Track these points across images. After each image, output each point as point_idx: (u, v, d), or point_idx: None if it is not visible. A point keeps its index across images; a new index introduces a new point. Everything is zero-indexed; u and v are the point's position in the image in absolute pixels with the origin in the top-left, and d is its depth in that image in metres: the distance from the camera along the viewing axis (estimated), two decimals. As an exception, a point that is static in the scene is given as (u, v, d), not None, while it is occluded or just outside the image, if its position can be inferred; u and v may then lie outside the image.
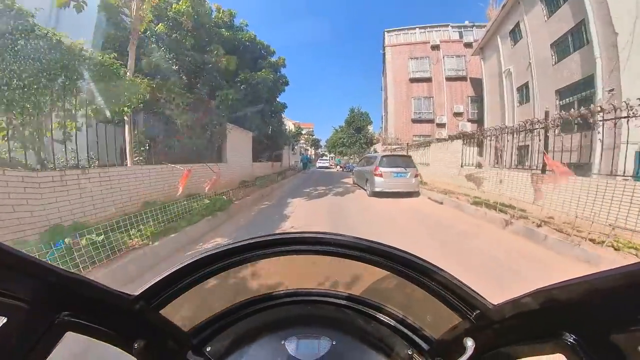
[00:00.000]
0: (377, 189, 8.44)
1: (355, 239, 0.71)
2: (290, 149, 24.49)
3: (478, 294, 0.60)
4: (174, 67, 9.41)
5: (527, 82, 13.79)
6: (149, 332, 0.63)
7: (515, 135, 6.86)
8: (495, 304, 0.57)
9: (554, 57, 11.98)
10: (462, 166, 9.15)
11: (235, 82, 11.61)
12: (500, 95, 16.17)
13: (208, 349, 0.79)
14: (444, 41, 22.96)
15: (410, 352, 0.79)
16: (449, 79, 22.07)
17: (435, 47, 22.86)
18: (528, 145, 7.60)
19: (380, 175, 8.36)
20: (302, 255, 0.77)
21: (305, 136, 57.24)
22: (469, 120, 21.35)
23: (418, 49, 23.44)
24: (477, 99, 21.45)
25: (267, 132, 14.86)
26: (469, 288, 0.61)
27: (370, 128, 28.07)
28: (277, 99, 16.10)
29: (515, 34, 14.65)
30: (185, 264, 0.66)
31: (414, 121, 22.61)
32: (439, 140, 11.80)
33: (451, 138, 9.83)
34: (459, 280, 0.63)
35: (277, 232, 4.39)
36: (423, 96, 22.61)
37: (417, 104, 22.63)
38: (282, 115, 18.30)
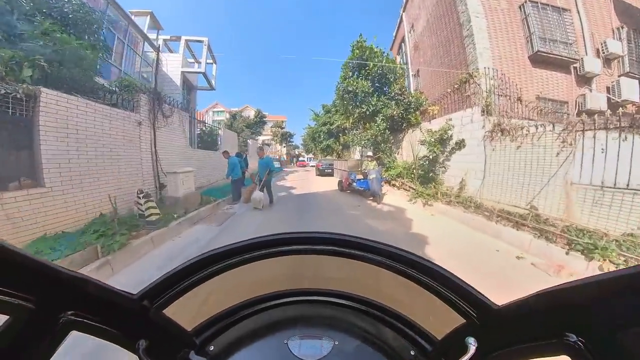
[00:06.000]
0: None
1: (358, 239, 0.71)
2: (184, 120, 7.96)
3: (482, 294, 0.59)
4: None
5: None
6: (153, 332, 0.62)
7: None
8: (500, 304, 0.56)
9: None
10: None
11: None
12: None
13: (211, 348, 0.78)
14: None
15: (413, 354, 0.77)
16: (579, -18, 9.98)
17: None
18: None
19: None
20: (305, 255, 0.76)
21: (274, 129, 40.62)
22: (627, 74, 9.68)
23: None
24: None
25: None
26: (473, 289, 0.60)
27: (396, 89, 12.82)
28: None
29: None
30: (188, 264, 0.66)
31: (536, 62, 9.21)
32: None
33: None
34: (463, 281, 0.62)
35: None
36: (546, 2, 9.57)
37: (538, 21, 9.21)
38: None
